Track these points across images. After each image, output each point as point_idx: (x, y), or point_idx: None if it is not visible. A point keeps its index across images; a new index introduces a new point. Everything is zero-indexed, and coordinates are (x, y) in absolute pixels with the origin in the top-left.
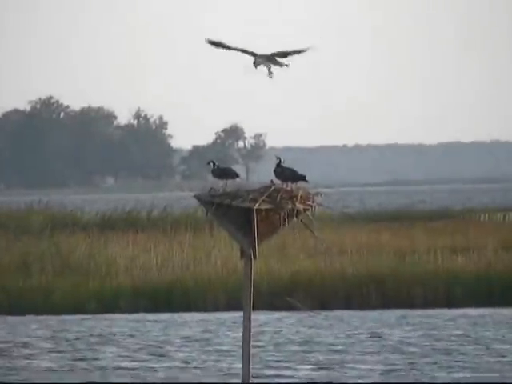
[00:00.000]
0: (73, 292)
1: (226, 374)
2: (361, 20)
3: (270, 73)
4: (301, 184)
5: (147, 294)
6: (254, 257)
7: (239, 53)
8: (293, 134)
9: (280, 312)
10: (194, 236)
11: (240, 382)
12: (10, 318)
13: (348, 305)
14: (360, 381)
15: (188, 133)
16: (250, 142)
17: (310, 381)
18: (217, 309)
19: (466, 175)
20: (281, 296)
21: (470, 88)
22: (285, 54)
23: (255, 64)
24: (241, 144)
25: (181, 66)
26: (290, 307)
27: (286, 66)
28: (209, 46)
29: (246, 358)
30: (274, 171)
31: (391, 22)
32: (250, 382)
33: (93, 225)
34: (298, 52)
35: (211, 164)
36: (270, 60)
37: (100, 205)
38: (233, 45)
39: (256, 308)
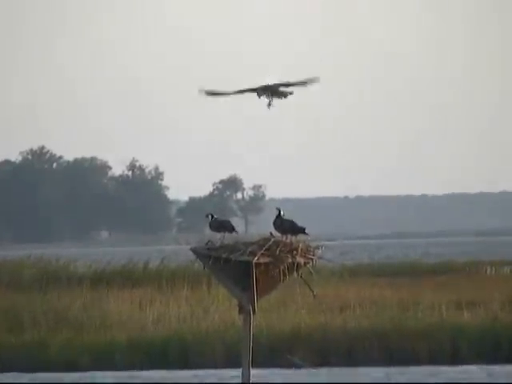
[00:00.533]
0: (67, 348)
1: None
2: (361, 70)
3: (269, 104)
4: (301, 236)
5: (142, 349)
6: (253, 312)
7: (238, 95)
8: (292, 184)
9: (281, 369)
10: (191, 290)
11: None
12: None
13: (350, 360)
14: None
15: (185, 184)
16: (248, 193)
17: None
18: (215, 365)
19: (472, 227)
20: (281, 352)
21: (475, 137)
22: (286, 86)
23: (258, 95)
24: (239, 195)
25: (177, 117)
26: (290, 364)
27: (290, 93)
28: (206, 96)
29: None
30: (274, 223)
31: (391, 75)
32: None
33: (87, 278)
34: (301, 84)
35: (209, 216)
36: (272, 90)
37: (94, 258)
38: (229, 89)
39: (255, 364)
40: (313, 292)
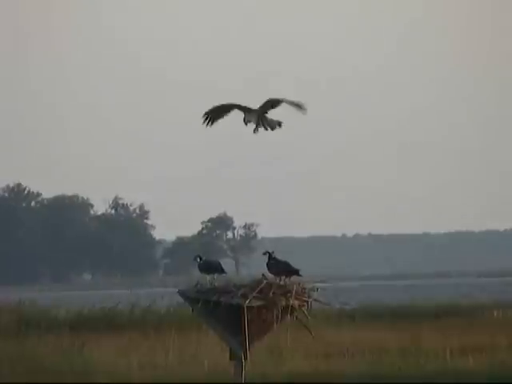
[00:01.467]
0: None
1: None
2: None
3: (255, 130)
4: (295, 278)
5: None
6: (245, 358)
7: (233, 116)
8: (286, 223)
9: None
10: (179, 335)
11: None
12: None
13: None
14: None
15: (172, 223)
16: (239, 232)
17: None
18: None
19: (477, 267)
20: None
21: (479, 174)
22: (278, 102)
23: (245, 121)
24: (230, 234)
25: (163, 149)
26: None
27: (279, 125)
28: (205, 120)
29: None
30: (267, 264)
31: (391, 110)
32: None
33: (68, 324)
34: (294, 105)
35: (197, 259)
36: (261, 118)
37: (76, 302)
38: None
39: None
40: (311, 333)
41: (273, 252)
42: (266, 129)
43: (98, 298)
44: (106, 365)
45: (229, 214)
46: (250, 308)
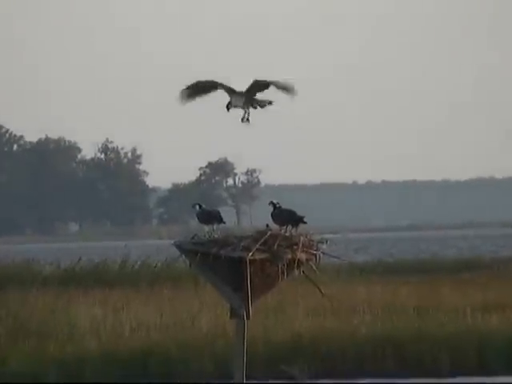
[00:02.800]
0: (30, 360)
1: None
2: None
3: (245, 118)
4: (302, 229)
5: (118, 361)
6: (247, 317)
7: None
8: (292, 169)
9: (278, 382)
10: (175, 292)
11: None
12: None
13: (360, 373)
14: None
15: (167, 168)
16: (241, 179)
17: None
18: (203, 379)
19: (500, 217)
20: (280, 363)
21: (504, 116)
22: (266, 85)
23: (229, 106)
24: (230, 182)
25: (157, 90)
26: (286, 376)
27: (270, 103)
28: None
29: None
30: (271, 214)
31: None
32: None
33: (53, 280)
34: (284, 88)
35: (196, 207)
36: (249, 101)
37: (62, 256)
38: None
39: (250, 378)
40: (320, 290)
41: (277, 203)
42: (262, 106)
43: (85, 250)
44: (93, 325)
45: (229, 158)
46: (252, 261)
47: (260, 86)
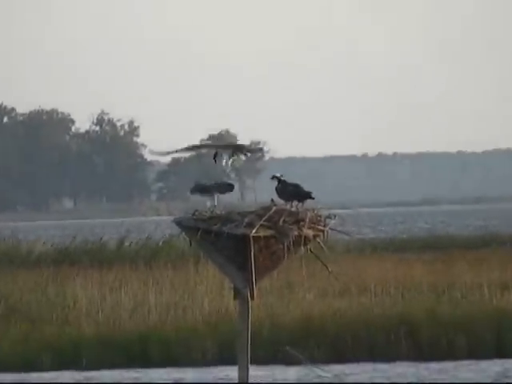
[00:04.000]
0: (22, 345)
1: None
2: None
3: (232, 161)
4: (309, 204)
5: (116, 345)
6: (252, 297)
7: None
8: (299, 141)
9: (284, 366)
10: (175, 272)
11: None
12: None
13: (372, 356)
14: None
15: (166, 141)
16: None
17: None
18: (205, 363)
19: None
20: (286, 346)
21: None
22: (240, 149)
23: (215, 158)
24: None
25: (157, 58)
26: (296, 361)
27: (260, 150)
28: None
29: None
30: (276, 189)
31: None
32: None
33: (47, 259)
34: (255, 151)
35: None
36: (237, 150)
37: (56, 233)
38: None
39: (255, 362)
40: (328, 268)
41: (281, 175)
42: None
43: (80, 228)
44: (89, 307)
45: (232, 130)
46: (256, 238)
47: (236, 147)
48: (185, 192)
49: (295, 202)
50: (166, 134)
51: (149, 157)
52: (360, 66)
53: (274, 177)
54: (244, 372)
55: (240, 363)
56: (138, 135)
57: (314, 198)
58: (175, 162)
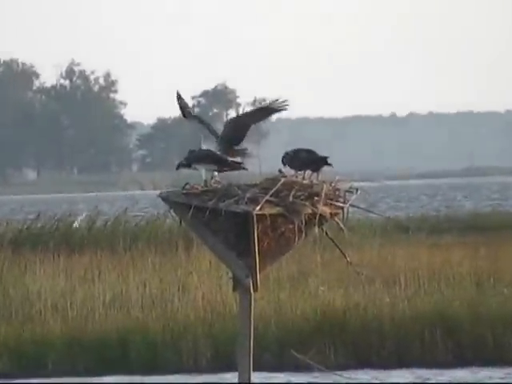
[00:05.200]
0: None
1: None
2: None
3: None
4: (326, 175)
5: (89, 347)
6: (255, 289)
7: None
8: (313, 99)
9: (291, 372)
10: (162, 257)
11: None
12: None
13: (400, 361)
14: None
15: (150, 99)
16: (246, 110)
17: None
18: (197, 369)
19: None
20: (295, 348)
21: None
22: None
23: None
24: (232, 114)
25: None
26: (305, 365)
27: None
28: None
29: None
30: (283, 158)
31: None
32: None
33: (3, 241)
34: (281, 107)
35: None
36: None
37: (15, 210)
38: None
39: (257, 367)
40: (346, 256)
41: (289, 154)
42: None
43: (46, 203)
44: (55, 300)
45: (231, 85)
46: (261, 217)
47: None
48: (173, 160)
49: (308, 172)
50: (149, 90)
51: (129, 117)
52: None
53: (286, 156)
54: (245, 379)
55: (241, 369)
56: (115, 91)
57: (331, 165)
58: (161, 122)
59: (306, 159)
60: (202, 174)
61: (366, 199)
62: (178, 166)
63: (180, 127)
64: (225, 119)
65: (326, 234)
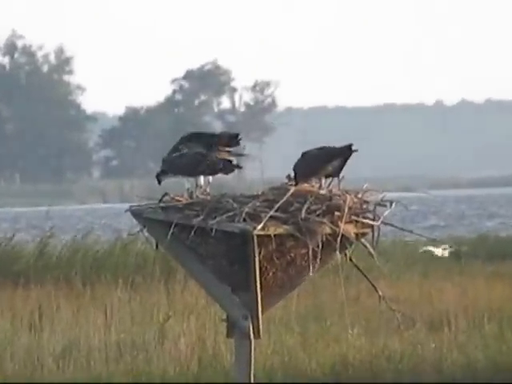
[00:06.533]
0: None
1: None
2: None
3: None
4: (348, 183)
5: None
6: (256, 334)
7: None
8: (332, 83)
9: None
10: (132, 293)
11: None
12: None
13: None
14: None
15: (117, 82)
16: (245, 98)
17: None
18: None
19: None
20: None
21: None
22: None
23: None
24: (226, 103)
25: None
26: None
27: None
28: None
29: None
30: (294, 167)
31: None
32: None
33: None
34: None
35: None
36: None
37: None
38: None
39: None
40: (377, 290)
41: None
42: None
43: None
44: None
45: (223, 64)
46: (264, 239)
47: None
48: (147, 163)
49: (325, 181)
50: (115, 71)
51: (89, 106)
52: None
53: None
54: None
55: None
56: (70, 72)
57: (356, 151)
58: (132, 113)
59: (324, 156)
60: (184, 181)
61: (403, 215)
62: (159, 178)
63: (156, 119)
64: (216, 109)
65: (351, 260)
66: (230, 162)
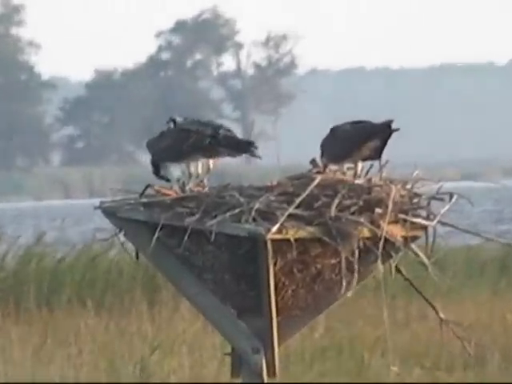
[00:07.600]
0: None
1: None
2: None
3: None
4: (393, 169)
5: None
6: (271, 372)
7: None
8: (369, 42)
9: None
10: (106, 318)
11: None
12: None
13: None
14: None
15: (82, 36)
16: (254, 57)
17: None
18: None
19: None
20: None
21: None
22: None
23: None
24: (229, 64)
25: None
26: None
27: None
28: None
29: None
30: (322, 143)
31: None
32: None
33: None
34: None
35: (170, 124)
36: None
37: None
38: None
39: None
40: (436, 310)
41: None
42: None
43: None
44: None
45: (225, 12)
46: (281, 245)
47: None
48: (124, 144)
49: (362, 164)
50: (80, 25)
51: (47, 70)
52: None
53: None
54: None
55: None
56: (20, 23)
57: (398, 130)
58: (103, 80)
59: (363, 134)
60: (170, 170)
61: (466, 212)
62: (156, 169)
63: (136, 86)
64: (215, 72)
65: (399, 271)
66: (238, 140)
